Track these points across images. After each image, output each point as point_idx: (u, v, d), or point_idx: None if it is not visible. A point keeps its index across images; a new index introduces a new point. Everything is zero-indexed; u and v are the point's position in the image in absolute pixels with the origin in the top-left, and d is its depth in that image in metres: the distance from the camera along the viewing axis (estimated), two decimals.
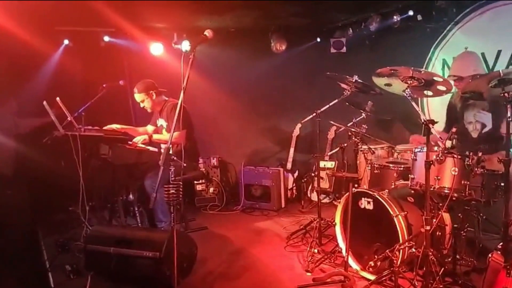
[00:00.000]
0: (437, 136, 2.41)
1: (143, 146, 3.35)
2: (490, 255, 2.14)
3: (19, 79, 4.21)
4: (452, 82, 2.88)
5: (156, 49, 4.62)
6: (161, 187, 2.30)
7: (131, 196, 3.59)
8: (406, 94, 2.48)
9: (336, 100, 3.20)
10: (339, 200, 2.98)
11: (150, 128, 3.80)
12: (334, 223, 2.94)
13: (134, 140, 3.34)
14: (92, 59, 4.50)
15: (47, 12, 3.75)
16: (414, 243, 2.42)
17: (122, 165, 3.34)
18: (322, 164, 4.63)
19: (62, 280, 2.74)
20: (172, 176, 2.22)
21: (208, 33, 2.28)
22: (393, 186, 2.87)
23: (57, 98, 3.09)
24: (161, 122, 3.68)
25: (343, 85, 3.22)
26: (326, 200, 4.65)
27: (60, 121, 3.09)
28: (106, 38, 4.51)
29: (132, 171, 3.44)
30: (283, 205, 4.65)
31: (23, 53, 3.99)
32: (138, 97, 3.56)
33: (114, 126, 3.48)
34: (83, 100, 3.50)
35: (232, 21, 4.48)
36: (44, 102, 3.08)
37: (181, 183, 2.22)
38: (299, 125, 4.84)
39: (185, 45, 4.51)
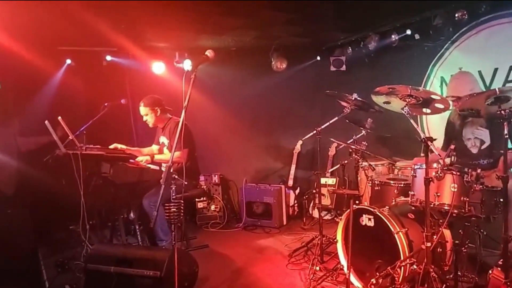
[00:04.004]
0: (436, 153, 2.43)
1: (145, 165, 3.37)
2: (490, 272, 2.14)
3: (22, 99, 4.26)
4: (450, 103, 2.93)
5: (158, 68, 4.70)
6: (162, 205, 2.31)
7: (132, 214, 3.58)
8: (405, 111, 2.52)
9: (336, 118, 3.25)
10: (340, 217, 2.97)
11: (155, 147, 3.82)
12: (335, 240, 2.93)
13: (137, 159, 3.36)
14: (94, 78, 4.56)
15: (50, 32, 3.84)
16: (415, 260, 2.41)
17: (123, 184, 3.34)
18: (323, 180, 4.64)
19: None
20: (173, 194, 2.24)
21: (209, 53, 2.34)
22: (393, 203, 2.87)
23: (59, 117, 3.12)
24: (163, 139, 3.71)
25: (343, 103, 3.27)
26: (328, 217, 4.63)
27: (62, 140, 3.12)
28: (108, 58, 4.59)
29: (133, 190, 3.44)
30: (284, 222, 4.63)
31: (26, 72, 4.05)
32: (142, 110, 3.59)
33: (120, 146, 3.50)
34: (85, 119, 3.54)
35: (233, 40, 4.58)
36: (46, 122, 3.11)
37: (182, 201, 2.23)
38: (300, 142, 4.87)
39: (187, 65, 4.60)
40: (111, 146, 3.47)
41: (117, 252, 2.71)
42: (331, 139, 3.47)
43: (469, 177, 2.40)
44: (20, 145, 4.31)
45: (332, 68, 4.84)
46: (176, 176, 2.27)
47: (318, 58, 5.08)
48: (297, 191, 4.92)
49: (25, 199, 4.05)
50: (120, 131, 4.51)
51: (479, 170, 2.43)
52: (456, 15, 3.57)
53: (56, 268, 3.16)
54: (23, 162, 4.18)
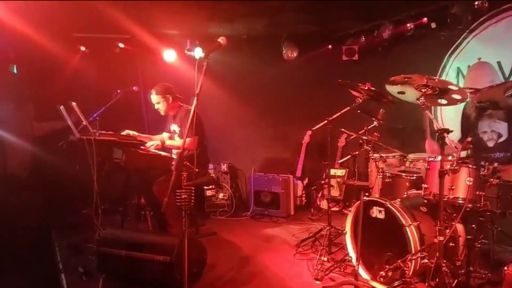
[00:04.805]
0: (452, 146, 2.38)
1: (155, 151, 3.39)
2: (506, 268, 2.10)
3: (37, 84, 4.32)
4: (468, 94, 2.86)
5: (169, 55, 4.69)
6: (173, 192, 2.33)
7: (142, 200, 3.63)
8: (420, 102, 2.46)
9: (348, 108, 3.19)
10: (349, 209, 2.95)
11: (165, 135, 3.83)
12: (344, 231, 2.92)
13: (147, 145, 3.38)
14: (107, 65, 4.60)
15: (64, 19, 3.86)
16: (426, 254, 2.38)
17: (134, 170, 3.38)
18: (332, 172, 4.61)
19: (75, 281, 2.78)
20: (184, 181, 2.25)
21: (222, 40, 2.31)
22: (405, 195, 2.83)
23: (73, 103, 3.15)
24: (174, 127, 3.72)
25: (355, 93, 3.21)
26: (336, 208, 4.61)
27: (76, 126, 3.15)
28: (121, 45, 4.60)
29: (144, 176, 3.47)
30: (292, 212, 4.63)
31: (41, 58, 4.11)
32: (154, 98, 3.59)
33: (132, 132, 3.52)
34: (97, 105, 3.56)
35: (244, 28, 4.53)
36: (61, 107, 3.15)
37: (193, 188, 2.24)
38: (309, 132, 4.83)
39: (198, 52, 4.57)
40: (123, 133, 3.49)
41: (129, 237, 2.76)
42: (342, 129, 3.42)
43: (485, 171, 2.34)
44: (35, 130, 4.39)
45: (344, 58, 4.76)
46: (188, 163, 2.28)
47: (330, 47, 4.99)
48: (306, 181, 4.91)
49: (39, 182, 4.15)
50: (131, 118, 4.55)
51: (496, 164, 2.37)
52: (476, 3, 3.45)
53: (69, 251, 3.23)
54: (37, 147, 4.26)
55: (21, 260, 3.13)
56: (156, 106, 3.64)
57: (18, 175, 4.22)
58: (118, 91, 3.65)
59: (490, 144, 2.95)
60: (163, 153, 3.45)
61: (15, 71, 4.28)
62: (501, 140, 2.90)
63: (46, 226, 3.84)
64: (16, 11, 3.46)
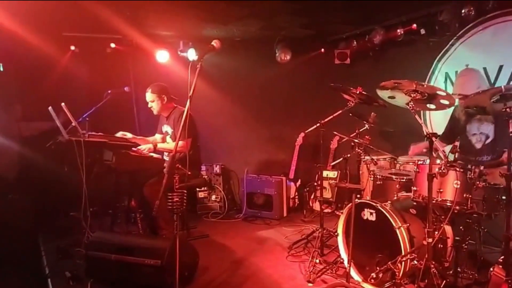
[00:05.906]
0: (440, 149, 2.44)
1: (147, 153, 3.37)
2: (491, 269, 2.15)
3: (25, 84, 4.24)
4: (457, 100, 2.93)
5: (162, 56, 4.66)
6: (164, 194, 2.31)
7: (133, 202, 3.59)
8: (409, 107, 2.50)
9: (340, 111, 3.23)
10: (341, 211, 2.98)
11: (158, 137, 3.81)
12: (336, 233, 2.94)
13: (140, 148, 3.36)
14: (98, 65, 4.54)
15: (54, 18, 3.80)
16: (416, 255, 2.43)
17: (125, 172, 3.35)
18: (325, 173, 4.65)
19: (62, 286, 2.73)
20: (176, 184, 2.24)
21: (215, 43, 2.32)
22: (395, 198, 2.88)
23: (62, 104, 3.10)
24: (167, 128, 3.70)
25: (347, 96, 3.25)
26: (328, 210, 4.65)
27: (65, 126, 3.11)
28: (112, 45, 4.55)
29: (135, 178, 3.44)
30: (285, 214, 4.65)
31: (29, 57, 4.03)
32: (149, 96, 3.58)
33: (126, 134, 3.49)
34: (88, 106, 3.52)
35: (237, 30, 4.54)
36: (50, 107, 3.10)
37: (185, 191, 2.24)
38: (302, 134, 4.86)
39: (191, 54, 4.56)
40: (118, 134, 3.47)
41: (118, 240, 2.73)
42: (334, 132, 3.46)
43: (472, 174, 2.39)
44: (22, 130, 4.30)
45: (337, 61, 4.81)
46: (180, 166, 2.27)
47: (323, 50, 5.04)
48: (298, 183, 4.94)
49: (26, 184, 4.06)
50: (122, 119, 4.51)
51: (482, 167, 2.42)
52: (463, 11, 3.54)
53: (57, 255, 3.17)
54: (25, 148, 4.17)
55: (7, 264, 3.06)
56: (150, 105, 3.62)
57: (5, 177, 4.12)
58: (109, 91, 3.61)
59: (478, 146, 3.02)
60: (154, 155, 3.43)
61: (1, 69, 4.19)
62: (488, 141, 2.98)
63: (34, 229, 3.77)
64: (2, 8, 3.39)
